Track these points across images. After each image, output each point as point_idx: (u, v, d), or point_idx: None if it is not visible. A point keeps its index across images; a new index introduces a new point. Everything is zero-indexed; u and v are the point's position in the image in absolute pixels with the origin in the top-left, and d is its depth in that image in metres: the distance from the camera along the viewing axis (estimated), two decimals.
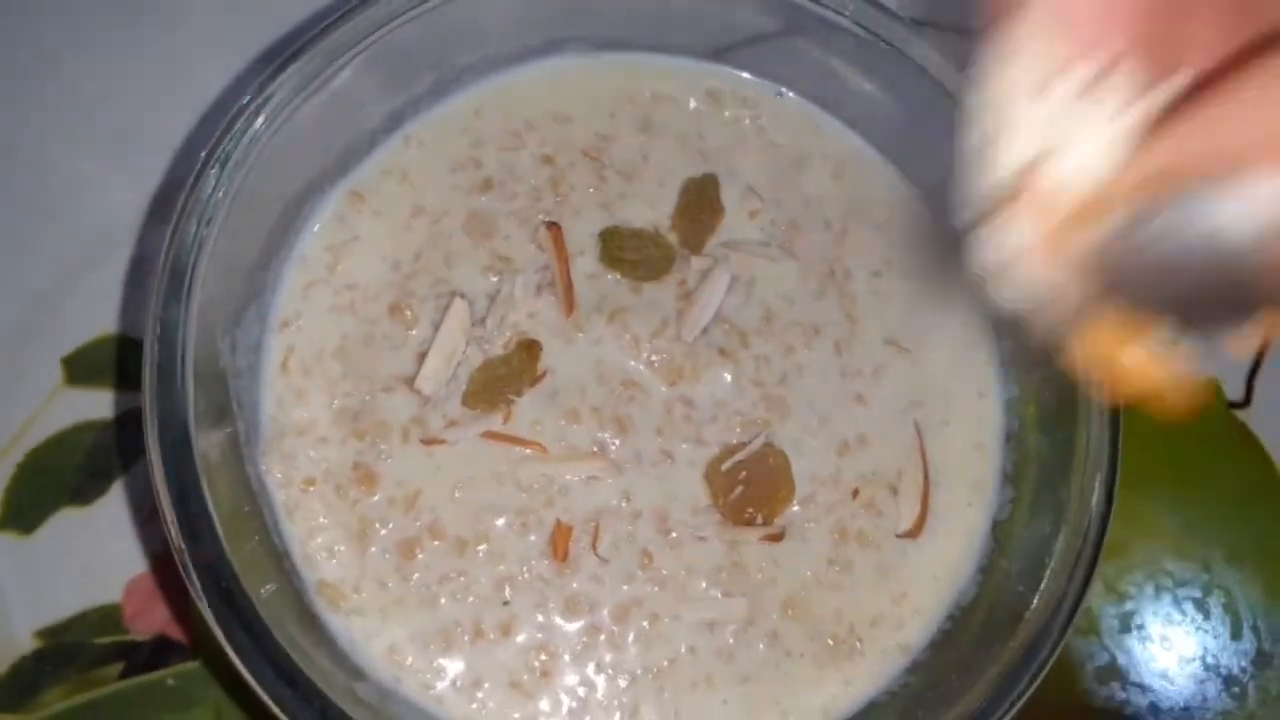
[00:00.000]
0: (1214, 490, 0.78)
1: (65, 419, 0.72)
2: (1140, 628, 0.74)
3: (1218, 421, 0.79)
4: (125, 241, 0.74)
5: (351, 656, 0.58)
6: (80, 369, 0.73)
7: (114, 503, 0.71)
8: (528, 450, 0.61)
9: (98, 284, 0.74)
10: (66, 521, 0.70)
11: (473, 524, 0.60)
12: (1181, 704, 0.73)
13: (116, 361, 0.73)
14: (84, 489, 0.71)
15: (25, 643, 0.68)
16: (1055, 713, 0.71)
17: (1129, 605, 0.75)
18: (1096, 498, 0.58)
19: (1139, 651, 0.74)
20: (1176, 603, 0.75)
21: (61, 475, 0.71)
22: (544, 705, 0.59)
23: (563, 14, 0.68)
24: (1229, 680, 0.74)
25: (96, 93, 0.78)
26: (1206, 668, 0.74)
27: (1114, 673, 0.73)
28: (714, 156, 0.69)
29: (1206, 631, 0.75)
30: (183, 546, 0.53)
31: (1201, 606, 0.75)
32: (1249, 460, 0.79)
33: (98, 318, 0.73)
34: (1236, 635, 0.75)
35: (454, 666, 0.59)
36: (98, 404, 0.72)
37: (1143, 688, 0.73)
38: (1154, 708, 0.73)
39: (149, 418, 0.54)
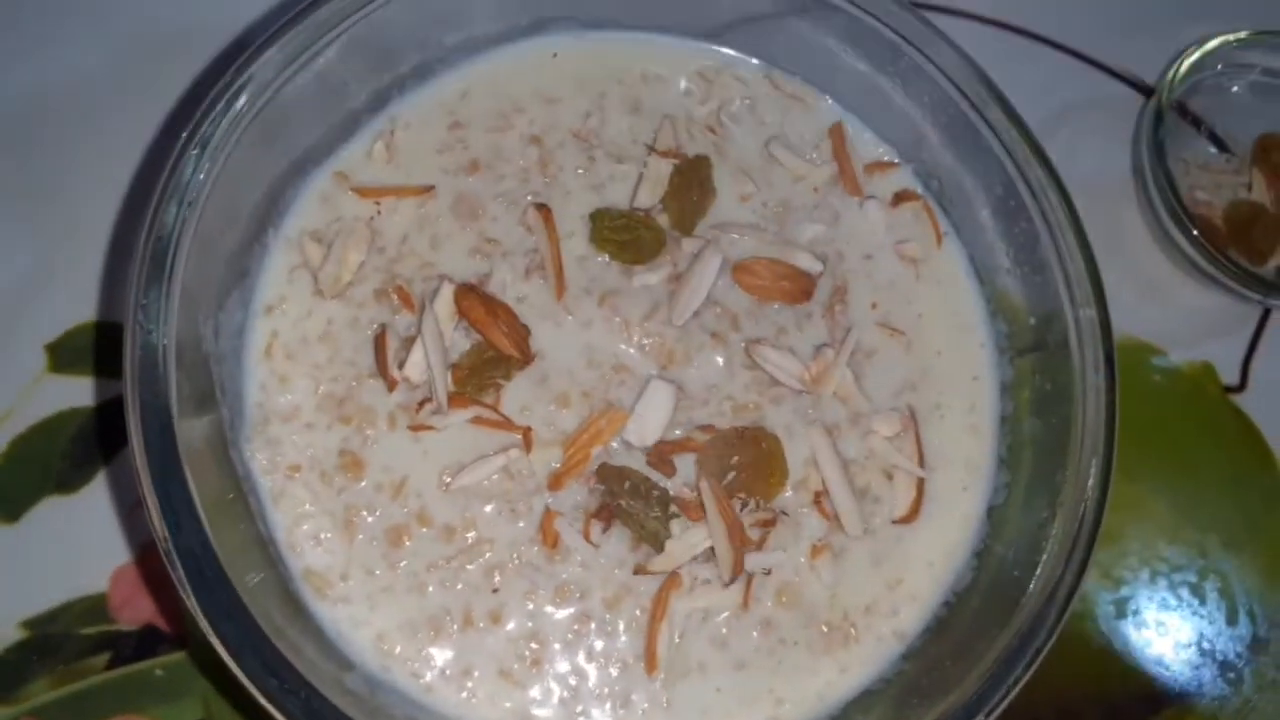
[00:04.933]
0: (1209, 475, 0.77)
1: (50, 406, 0.71)
2: (1136, 613, 0.74)
3: (1213, 406, 0.79)
4: (105, 225, 0.73)
5: (339, 646, 0.58)
6: (64, 355, 0.72)
7: (100, 490, 0.70)
8: (517, 435, 0.60)
9: (80, 268, 0.73)
10: (51, 509, 0.69)
11: (461, 510, 0.60)
12: (1177, 690, 0.73)
13: (94, 348, 0.72)
14: (69, 476, 0.70)
15: (10, 633, 0.67)
16: (1050, 699, 0.71)
17: (1124, 591, 0.74)
18: (1093, 482, 0.57)
19: (1135, 637, 0.73)
20: (1172, 588, 0.75)
21: (46, 463, 0.70)
22: (535, 694, 0.58)
23: None
24: (1225, 665, 0.73)
25: (74, 73, 0.77)
26: (1202, 653, 0.74)
27: (1110, 659, 0.73)
28: (705, 138, 0.68)
29: (1202, 617, 0.74)
30: (166, 535, 0.52)
31: (1197, 591, 0.75)
32: (1244, 444, 0.78)
33: (80, 303, 0.72)
34: (1232, 620, 0.74)
35: (443, 655, 0.58)
36: (83, 391, 0.71)
37: (1139, 674, 0.73)
38: (1150, 694, 0.73)
39: (130, 404, 0.53)
